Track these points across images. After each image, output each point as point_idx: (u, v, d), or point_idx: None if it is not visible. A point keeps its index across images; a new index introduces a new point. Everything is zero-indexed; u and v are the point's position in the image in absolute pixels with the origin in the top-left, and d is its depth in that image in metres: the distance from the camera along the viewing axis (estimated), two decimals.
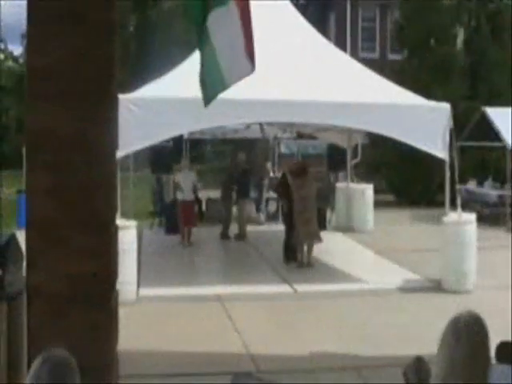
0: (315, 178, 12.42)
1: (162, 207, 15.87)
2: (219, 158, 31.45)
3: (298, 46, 10.70)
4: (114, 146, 3.87)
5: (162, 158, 16.12)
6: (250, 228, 14.93)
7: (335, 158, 17.53)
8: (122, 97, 8.27)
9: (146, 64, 30.58)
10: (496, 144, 16.75)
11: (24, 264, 3.70)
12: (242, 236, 14.42)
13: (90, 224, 3.65)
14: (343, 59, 11.91)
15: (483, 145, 17.77)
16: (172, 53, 20.41)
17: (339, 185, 16.87)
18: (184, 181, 13.52)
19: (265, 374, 6.17)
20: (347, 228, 15.54)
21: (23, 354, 3.69)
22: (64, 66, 3.61)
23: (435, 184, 17.57)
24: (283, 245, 11.79)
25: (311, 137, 19.17)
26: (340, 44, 19.84)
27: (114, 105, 3.85)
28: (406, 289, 9.91)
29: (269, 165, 18.56)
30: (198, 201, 14.78)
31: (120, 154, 7.20)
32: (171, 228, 14.48)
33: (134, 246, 9.25)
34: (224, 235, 14.48)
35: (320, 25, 19.38)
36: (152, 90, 9.94)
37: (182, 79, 9.28)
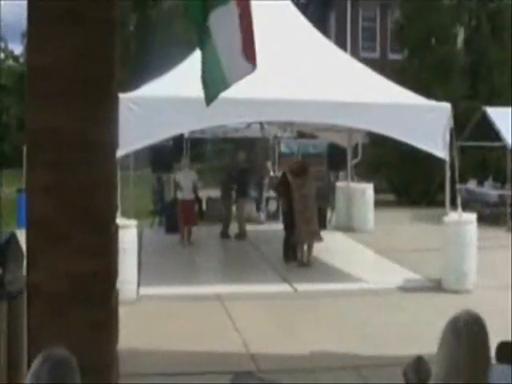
0: (315, 177, 12.42)
1: (163, 206, 15.87)
2: (220, 157, 31.43)
3: (298, 46, 10.71)
4: (114, 144, 3.87)
5: (163, 157, 16.13)
6: (250, 227, 14.94)
7: (335, 157, 17.53)
8: (122, 96, 8.27)
9: (147, 63, 30.60)
10: (496, 144, 16.76)
11: (24, 263, 3.70)
12: (241, 235, 14.42)
13: (90, 223, 3.65)
14: (344, 59, 11.91)
15: (483, 144, 17.78)
16: (172, 52, 20.41)
17: (339, 184, 16.87)
18: (184, 180, 13.52)
19: (265, 373, 6.17)
20: (347, 227, 15.55)
21: (23, 353, 3.69)
22: (64, 66, 3.61)
23: (435, 184, 17.57)
24: (283, 244, 11.79)
25: (311, 136, 19.18)
26: (340, 43, 19.83)
27: (114, 104, 3.85)
28: (407, 288, 9.91)
29: (269, 164, 18.57)
30: (198, 200, 14.77)
31: (120, 153, 7.19)
32: (171, 227, 14.48)
33: (135, 245, 9.25)
34: (224, 234, 14.49)
35: (320, 24, 19.37)
36: (152, 89, 9.95)
37: (183, 78, 9.29)
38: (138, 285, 9.40)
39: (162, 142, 11.64)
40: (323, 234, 11.87)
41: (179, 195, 13.65)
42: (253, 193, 16.54)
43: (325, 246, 11.92)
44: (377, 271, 11.25)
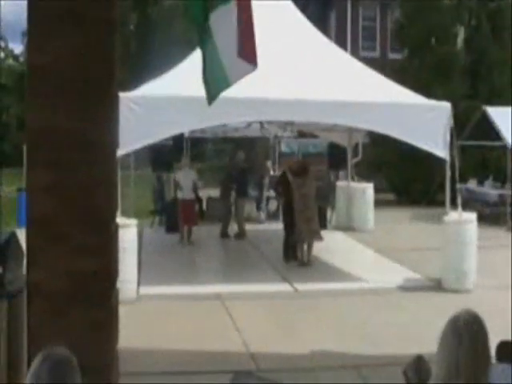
0: (316, 176, 12.41)
1: (163, 206, 15.87)
2: (220, 157, 31.45)
3: (298, 45, 10.71)
4: (114, 144, 3.87)
5: (163, 156, 16.14)
6: (250, 227, 14.94)
7: (336, 156, 17.53)
8: (122, 95, 8.28)
9: (147, 62, 30.60)
10: (496, 143, 16.77)
11: (24, 262, 3.70)
12: (241, 234, 14.43)
13: (90, 222, 3.65)
14: (344, 58, 11.91)
15: (484, 144, 17.78)
16: (172, 51, 20.39)
17: (340, 184, 16.87)
18: (184, 179, 13.52)
19: (265, 372, 6.17)
20: (347, 227, 15.55)
21: (23, 353, 3.69)
22: (64, 65, 3.61)
23: (436, 183, 17.56)
24: (283, 243, 11.79)
25: (312, 135, 19.18)
26: (340, 43, 19.81)
27: (114, 103, 3.85)
28: (407, 288, 9.91)
29: (269, 163, 18.57)
30: (198, 199, 14.78)
31: (121, 152, 7.21)
32: (172, 227, 14.48)
33: (135, 245, 9.25)
34: (224, 234, 14.49)
35: (320, 24, 19.36)
36: (152, 88, 9.94)
37: (183, 78, 9.31)
38: (138, 284, 9.40)
39: (162, 141, 11.61)
40: (323, 233, 11.88)
41: (179, 195, 13.65)
42: (253, 192, 16.56)
43: (325, 245, 11.92)
44: (377, 271, 11.25)
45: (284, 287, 10.00)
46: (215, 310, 8.69)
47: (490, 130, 16.34)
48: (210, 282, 10.34)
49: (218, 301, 9.07)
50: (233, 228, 14.60)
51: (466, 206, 11.60)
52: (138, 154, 11.01)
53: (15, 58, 44.50)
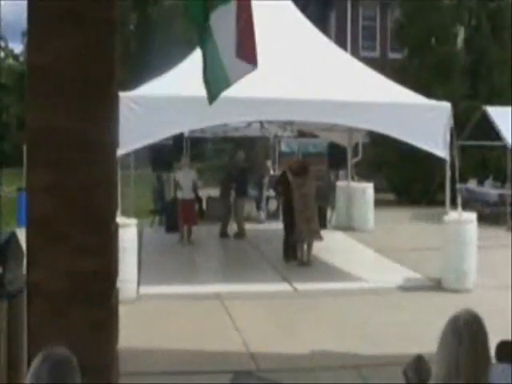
0: (316, 176, 12.41)
1: (163, 205, 15.87)
2: (220, 156, 31.45)
3: (298, 45, 10.71)
4: (114, 144, 3.87)
5: (163, 156, 16.14)
6: (250, 226, 14.94)
7: (336, 156, 17.53)
8: (122, 95, 8.28)
9: (147, 62, 30.61)
10: (496, 143, 16.76)
11: (24, 262, 3.70)
12: (240, 234, 14.43)
13: (90, 222, 3.65)
14: (344, 58, 11.91)
15: (484, 144, 17.77)
16: (172, 51, 20.40)
17: (340, 183, 16.87)
18: (184, 179, 13.52)
19: (265, 372, 6.17)
20: (347, 227, 15.55)
21: (23, 353, 3.69)
22: (64, 65, 3.61)
23: (436, 183, 17.56)
24: (283, 243, 11.79)
25: (312, 135, 19.18)
26: (340, 43, 19.81)
27: (114, 103, 3.86)
28: (407, 287, 9.91)
29: (269, 163, 18.57)
30: (198, 199, 14.78)
31: (121, 152, 7.21)
32: (171, 226, 14.48)
33: (135, 244, 9.25)
34: (223, 233, 14.49)
35: (320, 23, 19.36)
36: (153, 88, 9.94)
37: (183, 77, 9.31)
38: (138, 284, 9.40)
39: (162, 141, 11.62)
40: (323, 233, 11.88)
41: (179, 194, 13.65)
42: (253, 192, 16.56)
43: (325, 245, 11.92)
44: (377, 270, 11.25)
45: (284, 287, 10.00)
46: (215, 309, 8.69)
47: (489, 130, 16.34)
48: (209, 282, 10.34)
49: (218, 300, 9.07)
50: (232, 228, 14.60)
51: (466, 206, 11.60)
52: (138, 153, 11.01)
53: (15, 57, 44.52)
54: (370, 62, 12.45)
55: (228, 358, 6.76)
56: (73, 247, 3.60)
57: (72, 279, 3.59)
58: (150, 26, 37.54)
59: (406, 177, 20.83)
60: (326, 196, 15.62)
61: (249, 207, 16.04)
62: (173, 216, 14.24)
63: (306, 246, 11.43)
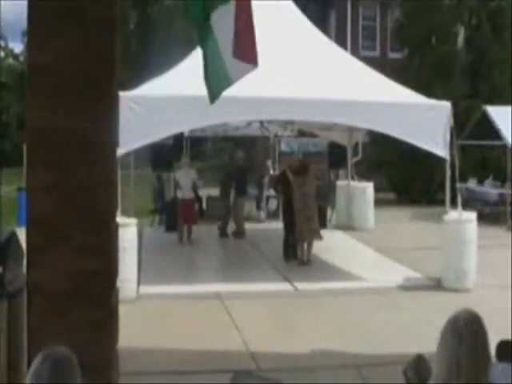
0: (316, 175, 12.41)
1: (163, 205, 15.87)
2: (220, 156, 31.41)
3: (299, 45, 10.70)
4: (114, 144, 3.87)
5: (163, 155, 16.16)
6: (250, 226, 14.94)
7: (336, 155, 17.55)
8: (122, 94, 8.28)
9: (147, 62, 30.60)
10: (496, 143, 16.76)
11: (24, 261, 3.70)
12: (240, 234, 14.42)
13: (90, 222, 3.65)
14: (344, 57, 11.91)
15: (484, 143, 17.77)
16: (173, 50, 20.40)
17: (340, 183, 16.88)
18: (184, 179, 13.52)
19: (265, 371, 6.16)
20: (348, 226, 15.55)
21: (23, 352, 3.69)
22: (64, 65, 3.61)
23: (436, 182, 17.56)
24: (283, 242, 11.79)
25: (312, 135, 19.16)
26: (340, 42, 19.80)
27: (114, 103, 3.86)
28: (407, 287, 9.91)
29: (269, 162, 18.56)
30: (198, 199, 14.77)
31: (121, 151, 7.20)
32: (171, 226, 14.48)
33: (135, 244, 9.25)
34: (223, 233, 14.49)
35: (320, 23, 19.36)
36: (153, 87, 9.94)
37: (183, 77, 9.31)
38: (138, 283, 9.40)
39: (162, 140, 11.63)
40: (323, 232, 11.88)
41: (179, 194, 13.65)
42: (253, 191, 16.56)
43: (325, 244, 11.92)
44: (377, 270, 11.26)
45: (284, 286, 10.00)
46: (215, 309, 8.69)
47: (490, 130, 16.33)
48: (209, 281, 10.34)
49: (218, 300, 9.07)
50: (232, 227, 14.59)
51: (466, 206, 11.60)
52: (138, 153, 11.02)
53: (15, 57, 44.51)
54: (370, 62, 12.44)
55: (228, 358, 6.76)
56: (73, 247, 3.61)
57: (72, 279, 3.59)
58: (150, 26, 37.52)
59: (406, 176, 20.83)
60: (326, 195, 15.62)
61: (249, 207, 16.04)
62: (173, 215, 14.24)
63: (306, 246, 11.43)
